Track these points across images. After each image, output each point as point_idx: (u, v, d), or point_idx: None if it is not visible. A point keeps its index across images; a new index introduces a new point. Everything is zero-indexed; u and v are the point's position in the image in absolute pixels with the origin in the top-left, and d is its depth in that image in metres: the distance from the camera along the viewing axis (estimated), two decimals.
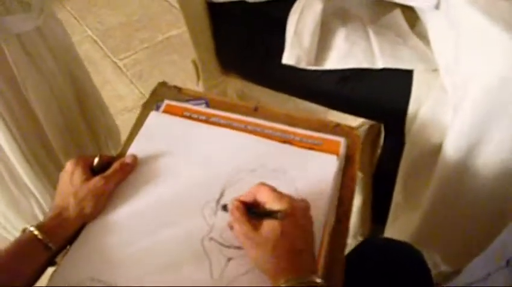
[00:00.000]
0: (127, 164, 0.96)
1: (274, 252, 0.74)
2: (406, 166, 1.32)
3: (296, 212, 0.77)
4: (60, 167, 0.97)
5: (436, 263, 1.42)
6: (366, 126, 1.32)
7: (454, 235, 1.33)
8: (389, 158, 1.36)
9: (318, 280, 0.71)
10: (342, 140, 0.98)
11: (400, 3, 1.18)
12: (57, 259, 0.89)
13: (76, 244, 0.89)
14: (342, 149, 0.97)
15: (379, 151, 1.41)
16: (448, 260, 1.41)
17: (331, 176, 0.92)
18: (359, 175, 1.38)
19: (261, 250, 0.76)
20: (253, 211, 0.81)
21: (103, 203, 0.92)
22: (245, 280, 0.81)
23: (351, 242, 1.64)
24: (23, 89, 1.14)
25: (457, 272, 1.40)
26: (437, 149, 1.20)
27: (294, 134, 1.01)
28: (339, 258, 0.86)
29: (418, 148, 1.26)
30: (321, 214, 0.87)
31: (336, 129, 1.02)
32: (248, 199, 0.82)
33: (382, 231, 1.56)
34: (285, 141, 0.99)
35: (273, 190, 0.80)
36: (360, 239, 1.69)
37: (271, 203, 0.78)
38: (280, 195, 0.79)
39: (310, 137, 1.00)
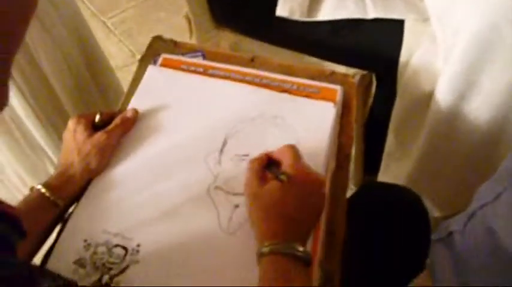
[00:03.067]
0: (128, 118, 0.97)
1: (266, 212, 0.75)
2: (398, 114, 1.34)
3: (302, 182, 0.77)
4: None
5: (428, 209, 1.45)
6: (358, 76, 1.33)
7: (445, 181, 1.36)
8: (381, 108, 1.37)
9: (301, 248, 0.71)
10: (338, 88, 1.00)
11: None
12: (66, 216, 0.91)
13: (84, 199, 0.91)
14: (338, 97, 0.98)
15: (371, 100, 1.42)
16: (440, 207, 1.43)
17: (329, 123, 0.94)
18: None
19: (255, 205, 0.77)
20: (274, 170, 0.80)
21: (107, 157, 0.94)
22: None
23: None
24: (34, 52, 1.15)
25: (449, 218, 1.45)
26: (428, 97, 1.22)
27: (291, 83, 1.02)
28: (341, 200, 0.89)
29: (410, 96, 1.28)
30: (321, 159, 0.89)
31: (332, 77, 1.03)
32: (275, 155, 0.82)
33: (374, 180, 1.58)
34: (282, 91, 1.00)
35: (295, 154, 0.80)
36: (353, 188, 1.72)
37: (285, 166, 0.79)
38: (295, 161, 0.79)
39: (307, 85, 1.01)
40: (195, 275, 0.81)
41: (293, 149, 0.81)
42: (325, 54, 1.36)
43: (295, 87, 1.01)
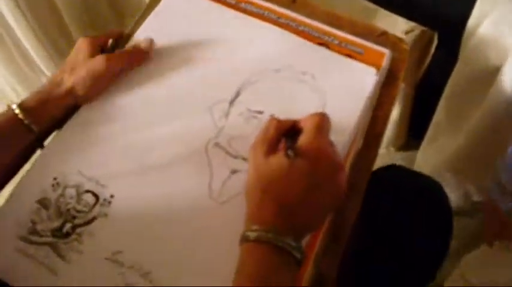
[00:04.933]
0: (141, 51, 0.84)
1: (263, 190, 0.62)
2: (455, 83, 1.23)
3: (316, 162, 0.62)
4: (73, 45, 0.85)
5: (467, 192, 1.35)
6: (417, 32, 1.21)
7: (493, 167, 1.23)
8: (438, 72, 1.26)
9: (293, 243, 0.59)
10: (387, 52, 0.84)
11: None
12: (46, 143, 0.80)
13: (64, 129, 0.80)
14: (385, 62, 0.83)
15: (427, 61, 1.28)
16: (481, 192, 1.34)
17: (367, 91, 0.79)
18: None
19: (254, 177, 0.64)
20: (288, 141, 0.66)
21: (101, 86, 0.81)
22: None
23: (382, 153, 1.56)
24: None
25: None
26: (493, 70, 1.10)
27: (334, 36, 0.86)
28: (358, 189, 0.74)
29: (472, 66, 1.16)
30: (347, 134, 0.75)
31: (382, 38, 0.86)
32: (301, 123, 0.67)
33: (417, 146, 1.49)
34: (321, 43, 0.85)
35: (319, 125, 0.64)
36: (392, 150, 1.62)
37: (303, 137, 0.64)
38: (317, 134, 0.63)
39: (352, 42, 0.85)
40: (168, 243, 0.70)
41: (320, 119, 0.65)
42: (387, 2, 1.22)
43: (336, 41, 0.86)
